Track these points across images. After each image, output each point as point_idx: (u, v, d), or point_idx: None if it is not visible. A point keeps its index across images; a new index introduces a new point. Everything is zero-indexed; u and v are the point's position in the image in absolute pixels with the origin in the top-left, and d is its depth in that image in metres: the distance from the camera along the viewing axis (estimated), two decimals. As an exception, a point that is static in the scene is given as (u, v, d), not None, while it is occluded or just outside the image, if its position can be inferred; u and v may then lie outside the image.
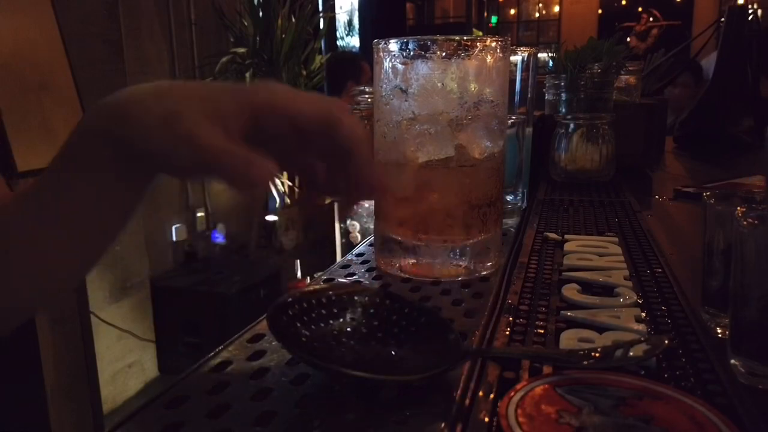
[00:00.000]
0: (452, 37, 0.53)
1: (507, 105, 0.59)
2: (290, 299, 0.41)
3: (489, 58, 0.55)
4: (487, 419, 0.35)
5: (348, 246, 2.37)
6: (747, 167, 1.26)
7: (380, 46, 0.56)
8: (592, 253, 0.66)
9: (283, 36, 3.05)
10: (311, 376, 0.39)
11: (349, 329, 0.42)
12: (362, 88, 0.91)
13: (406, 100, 0.55)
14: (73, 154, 0.39)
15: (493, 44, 0.55)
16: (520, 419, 0.33)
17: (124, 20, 2.52)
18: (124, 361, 2.63)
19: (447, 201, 0.57)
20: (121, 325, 2.58)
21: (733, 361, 0.42)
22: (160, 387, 0.38)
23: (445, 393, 0.37)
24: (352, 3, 5.00)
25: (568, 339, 0.45)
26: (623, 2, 8.66)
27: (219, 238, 3.16)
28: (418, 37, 0.53)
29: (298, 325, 0.40)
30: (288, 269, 3.26)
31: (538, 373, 0.40)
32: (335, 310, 0.43)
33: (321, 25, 3.58)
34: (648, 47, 7.14)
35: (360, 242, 0.74)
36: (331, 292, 0.44)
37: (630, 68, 1.41)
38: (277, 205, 3.30)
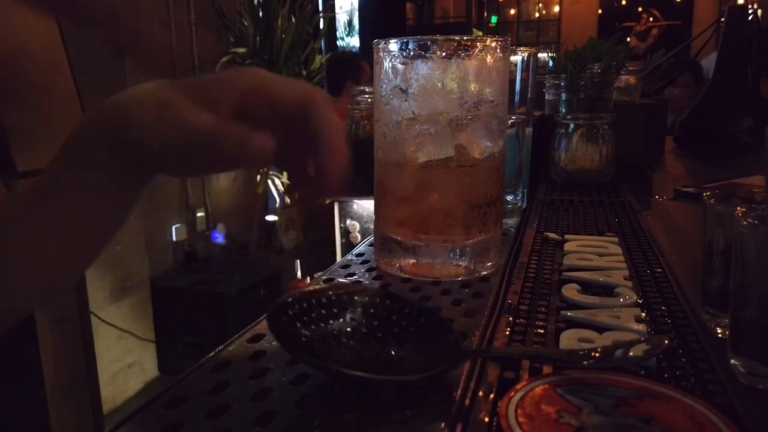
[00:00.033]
0: (452, 37, 0.53)
1: (507, 105, 0.59)
2: (290, 299, 0.41)
3: (489, 58, 0.55)
4: (487, 419, 0.35)
5: (348, 246, 2.37)
6: (747, 167, 1.26)
7: (380, 46, 0.56)
8: (592, 253, 0.66)
9: (283, 36, 3.05)
10: (311, 376, 0.39)
11: (349, 329, 0.42)
12: (362, 88, 0.91)
13: (406, 100, 0.55)
14: (72, 155, 0.39)
15: (493, 44, 0.55)
16: (520, 419, 0.33)
17: (124, 20, 2.51)
18: (124, 361, 2.63)
19: (447, 201, 0.57)
20: (121, 325, 2.58)
21: (733, 361, 0.42)
22: (160, 387, 0.38)
23: (445, 393, 0.37)
24: (352, 3, 4.99)
25: (568, 339, 0.45)
26: (623, 2, 8.65)
27: (219, 238, 3.16)
28: (418, 37, 0.53)
29: (298, 325, 0.40)
30: (288, 269, 3.26)
31: (538, 373, 0.40)
32: (335, 310, 0.43)
33: (321, 25, 3.58)
34: (648, 47, 7.14)
35: (360, 242, 0.74)
36: (331, 292, 0.44)
37: (630, 68, 1.41)
38: (277, 205, 3.30)
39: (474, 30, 6.47)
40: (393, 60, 0.55)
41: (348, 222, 2.42)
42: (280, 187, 3.19)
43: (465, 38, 0.53)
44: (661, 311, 0.51)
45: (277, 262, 3.21)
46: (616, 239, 0.71)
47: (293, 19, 3.10)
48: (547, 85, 1.28)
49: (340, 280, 0.60)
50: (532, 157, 0.90)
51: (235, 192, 3.34)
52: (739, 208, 0.42)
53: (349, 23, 5.01)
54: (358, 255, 0.68)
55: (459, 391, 0.37)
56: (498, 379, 0.39)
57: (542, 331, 0.47)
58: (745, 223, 0.41)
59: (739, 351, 0.42)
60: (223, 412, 0.35)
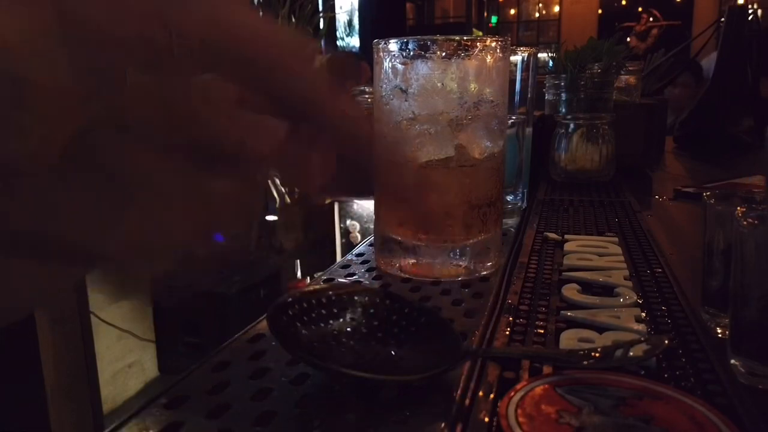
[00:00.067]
0: (452, 37, 0.53)
1: (507, 105, 0.59)
2: (290, 299, 0.41)
3: (489, 58, 0.55)
4: (487, 419, 0.35)
5: (348, 246, 2.37)
6: (747, 167, 1.26)
7: (380, 46, 0.56)
8: (592, 253, 0.66)
9: (283, 36, 3.05)
10: (311, 376, 0.39)
11: (349, 329, 0.42)
12: (362, 88, 0.91)
13: (406, 100, 0.55)
14: None
15: (493, 44, 0.55)
16: (520, 419, 0.33)
17: (124, 20, 2.52)
18: (124, 361, 2.63)
19: (447, 201, 0.57)
20: (121, 325, 2.58)
21: (733, 361, 0.42)
22: (160, 387, 0.38)
23: (445, 393, 0.37)
24: (352, 3, 5.00)
25: (568, 339, 0.45)
26: (623, 2, 8.66)
27: (219, 238, 3.16)
28: (418, 37, 0.53)
29: (298, 325, 0.40)
30: (288, 269, 3.26)
31: (538, 373, 0.40)
32: (335, 310, 0.43)
33: (321, 25, 3.58)
34: (648, 47, 7.14)
35: (360, 242, 0.74)
36: (331, 292, 0.44)
37: (630, 68, 1.41)
38: (277, 205, 3.31)
39: (474, 30, 6.48)
40: (393, 60, 0.55)
41: (348, 222, 2.42)
42: (281, 187, 3.19)
43: (465, 38, 0.53)
44: (661, 311, 0.51)
45: (277, 262, 3.21)
46: (616, 239, 0.71)
47: (293, 19, 3.10)
48: (547, 85, 1.28)
49: (340, 280, 0.60)
50: (532, 157, 0.90)
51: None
52: (739, 208, 0.42)
53: (349, 23, 5.01)
54: (358, 255, 0.68)
55: (459, 391, 0.37)
56: (498, 379, 0.39)
57: (542, 331, 0.47)
58: (745, 223, 0.41)
59: (739, 351, 0.42)
60: (223, 412, 0.35)
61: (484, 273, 0.59)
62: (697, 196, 1.02)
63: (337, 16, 4.52)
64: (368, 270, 0.62)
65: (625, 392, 0.36)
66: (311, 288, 0.44)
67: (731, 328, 0.43)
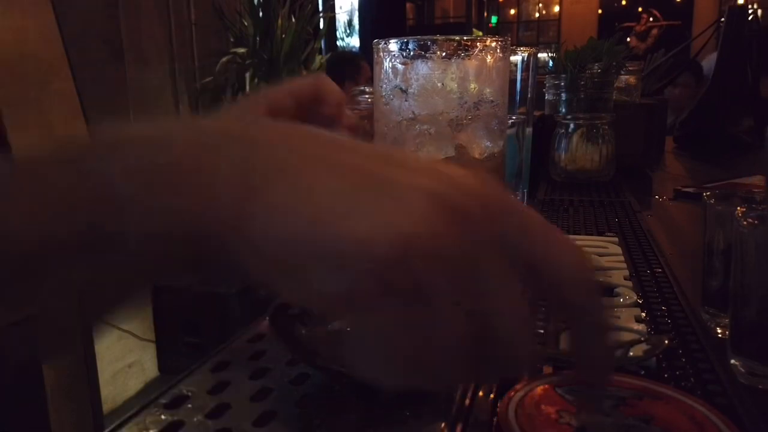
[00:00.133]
0: (452, 37, 0.53)
1: (507, 105, 0.59)
2: (290, 299, 0.41)
3: (489, 58, 0.55)
4: (487, 419, 0.35)
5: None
6: (747, 167, 1.26)
7: (380, 46, 0.56)
8: (592, 253, 0.66)
9: (283, 36, 3.05)
10: (311, 376, 0.39)
11: (348, 329, 0.42)
12: (362, 88, 0.91)
13: (406, 100, 0.55)
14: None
15: (493, 44, 0.55)
16: (520, 419, 0.33)
17: (124, 20, 2.52)
18: (124, 361, 2.63)
19: (447, 201, 0.57)
20: (121, 325, 2.58)
21: (733, 361, 0.42)
22: (160, 387, 0.38)
23: (445, 393, 0.37)
24: (352, 3, 5.00)
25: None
26: (623, 2, 8.66)
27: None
28: (418, 37, 0.53)
29: (298, 325, 0.40)
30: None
31: (538, 373, 0.40)
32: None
33: (321, 25, 3.58)
34: (648, 47, 7.14)
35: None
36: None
37: (630, 68, 1.41)
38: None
39: (474, 30, 6.48)
40: (393, 60, 0.55)
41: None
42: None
43: (465, 38, 0.53)
44: (661, 311, 0.51)
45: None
46: (616, 239, 0.71)
47: (293, 19, 3.10)
48: (547, 85, 1.28)
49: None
50: (532, 157, 0.90)
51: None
52: (739, 208, 0.42)
53: (349, 23, 5.01)
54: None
55: (459, 391, 0.37)
56: (498, 379, 0.39)
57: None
58: (745, 223, 0.41)
59: (739, 351, 0.42)
60: (223, 412, 0.35)
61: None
62: (697, 196, 1.02)
63: (337, 16, 4.52)
64: (368, 270, 0.62)
65: (625, 392, 0.36)
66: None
67: (731, 328, 0.43)
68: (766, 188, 1.04)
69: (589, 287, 0.24)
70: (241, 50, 3.04)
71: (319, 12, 3.65)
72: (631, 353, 0.39)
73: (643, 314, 0.49)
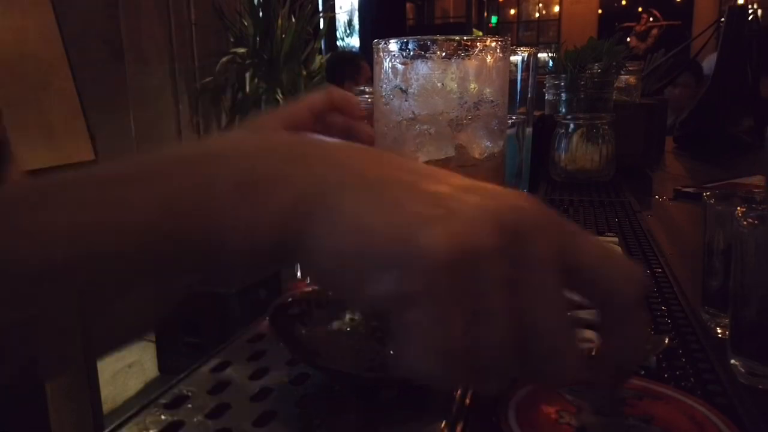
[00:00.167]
0: (452, 37, 0.53)
1: (507, 105, 0.59)
2: (290, 299, 0.41)
3: (489, 58, 0.55)
4: (487, 419, 0.35)
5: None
6: (747, 167, 1.26)
7: (380, 46, 0.56)
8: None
9: (283, 36, 3.05)
10: (311, 376, 0.39)
11: (348, 329, 0.42)
12: (362, 88, 0.91)
13: (406, 100, 0.55)
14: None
15: (493, 44, 0.55)
16: (520, 419, 0.33)
17: (124, 20, 2.52)
18: (124, 361, 2.63)
19: (447, 201, 0.57)
20: (121, 325, 2.57)
21: (733, 361, 0.42)
22: (160, 387, 0.38)
23: (445, 393, 0.37)
24: (352, 3, 5.00)
25: (568, 339, 0.45)
26: (623, 2, 8.66)
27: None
28: (418, 37, 0.53)
29: (298, 325, 0.40)
30: (288, 269, 3.26)
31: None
32: (335, 310, 0.43)
33: (321, 25, 3.58)
34: (648, 47, 7.14)
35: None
36: (331, 293, 0.44)
37: (630, 68, 1.41)
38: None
39: (474, 30, 6.48)
40: (393, 60, 0.55)
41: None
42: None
43: (465, 38, 0.53)
44: (661, 311, 0.51)
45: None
46: (616, 239, 0.71)
47: (293, 19, 3.10)
48: (547, 85, 1.28)
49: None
50: (532, 157, 0.90)
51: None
52: (739, 208, 0.42)
53: (349, 23, 5.01)
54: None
55: (459, 391, 0.37)
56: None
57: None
58: (745, 223, 0.41)
59: (739, 351, 0.42)
60: (223, 412, 0.35)
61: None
62: (697, 196, 1.02)
63: (337, 16, 4.52)
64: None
65: (625, 392, 0.36)
66: (311, 288, 0.44)
67: (731, 328, 0.43)
68: (766, 188, 1.04)
69: (637, 297, 0.26)
70: (241, 50, 3.04)
71: (319, 12, 3.65)
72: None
73: (643, 314, 0.49)
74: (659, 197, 1.10)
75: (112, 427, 0.34)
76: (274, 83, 3.02)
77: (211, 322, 2.65)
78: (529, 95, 0.83)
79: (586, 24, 8.02)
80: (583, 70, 1.18)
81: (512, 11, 9.49)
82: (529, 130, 0.85)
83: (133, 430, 0.34)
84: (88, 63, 2.27)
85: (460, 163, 0.56)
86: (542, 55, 1.44)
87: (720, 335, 0.48)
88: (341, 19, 4.84)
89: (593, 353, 0.28)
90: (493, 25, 9.12)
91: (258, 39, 3.04)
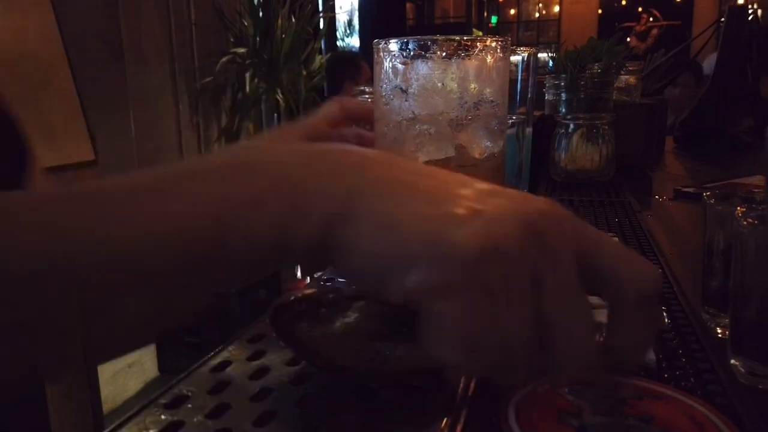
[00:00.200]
0: (452, 37, 0.53)
1: (507, 105, 0.59)
2: (291, 299, 0.41)
3: (489, 58, 0.55)
4: (487, 419, 0.35)
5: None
6: (747, 167, 1.26)
7: (380, 46, 0.56)
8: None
9: (283, 36, 3.05)
10: (311, 376, 0.39)
11: (349, 329, 0.42)
12: (362, 88, 0.91)
13: (406, 100, 0.55)
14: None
15: (493, 44, 0.55)
16: (520, 419, 0.33)
17: (124, 20, 2.52)
18: (124, 361, 2.63)
19: (447, 201, 0.57)
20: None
21: (733, 361, 0.42)
22: (160, 387, 0.38)
23: (445, 393, 0.37)
24: (352, 3, 5.00)
25: (568, 339, 0.45)
26: (623, 2, 8.66)
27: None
28: (418, 37, 0.53)
29: (299, 324, 0.40)
30: (288, 269, 3.26)
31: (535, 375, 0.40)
32: (335, 310, 0.43)
33: (321, 25, 3.58)
34: (648, 47, 7.14)
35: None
36: (331, 292, 0.44)
37: (630, 68, 1.41)
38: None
39: (474, 30, 6.48)
40: (393, 60, 0.55)
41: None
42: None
43: (465, 38, 0.53)
44: (661, 311, 0.51)
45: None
46: (616, 239, 0.71)
47: (293, 19, 3.10)
48: (547, 85, 1.28)
49: (340, 279, 0.60)
50: (532, 157, 0.90)
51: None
52: (739, 208, 0.42)
53: (349, 23, 5.01)
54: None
55: (459, 391, 0.37)
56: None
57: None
58: (745, 223, 0.41)
59: (739, 351, 0.42)
60: (223, 412, 0.35)
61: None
62: (697, 196, 1.02)
63: (337, 16, 4.52)
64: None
65: (625, 392, 0.36)
66: (312, 288, 0.44)
67: (731, 328, 0.43)
68: (766, 188, 1.04)
69: (649, 297, 0.28)
70: (241, 50, 3.04)
71: (319, 12, 3.65)
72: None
73: (643, 314, 0.49)
74: (659, 197, 1.10)
75: (112, 427, 0.34)
76: (274, 83, 3.02)
77: (211, 322, 2.65)
78: (529, 95, 0.83)
79: (586, 24, 8.02)
80: (583, 70, 1.18)
81: (512, 11, 9.49)
82: (529, 130, 0.85)
83: (133, 430, 0.34)
84: (88, 63, 2.27)
85: (460, 163, 0.56)
86: (542, 55, 1.44)
87: (720, 335, 0.48)
88: (341, 19, 4.84)
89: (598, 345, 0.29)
90: (493, 25, 9.12)
91: (258, 39, 3.04)
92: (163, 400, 0.37)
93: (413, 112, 0.55)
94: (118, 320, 0.28)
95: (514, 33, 9.15)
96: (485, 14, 8.88)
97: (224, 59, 2.98)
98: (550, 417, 0.34)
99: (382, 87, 0.57)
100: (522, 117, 0.81)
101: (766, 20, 2.30)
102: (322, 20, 3.62)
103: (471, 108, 0.55)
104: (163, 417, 0.35)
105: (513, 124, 0.79)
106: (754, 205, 0.44)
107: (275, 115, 3.12)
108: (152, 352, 2.80)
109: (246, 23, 3.09)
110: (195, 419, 0.35)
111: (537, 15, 9.34)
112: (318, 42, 3.49)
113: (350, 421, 0.34)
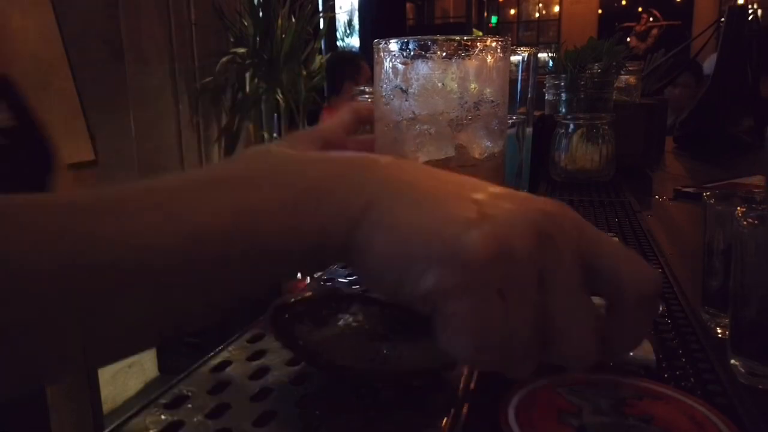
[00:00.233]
0: (452, 37, 0.53)
1: (507, 105, 0.59)
2: (291, 299, 0.41)
3: (489, 58, 0.55)
4: (487, 419, 0.35)
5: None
6: (747, 167, 1.26)
7: (380, 46, 0.56)
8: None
9: (283, 36, 3.05)
10: (311, 376, 0.39)
11: (349, 329, 0.42)
12: (362, 88, 0.91)
13: (406, 100, 0.55)
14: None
15: (493, 44, 0.55)
16: (520, 419, 0.33)
17: (124, 20, 2.52)
18: (124, 361, 2.63)
19: (447, 201, 0.57)
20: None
21: (733, 361, 0.42)
22: (160, 387, 0.38)
23: (445, 393, 0.37)
24: (352, 3, 5.00)
25: (568, 339, 0.45)
26: (623, 2, 8.66)
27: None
28: (418, 37, 0.53)
29: (299, 325, 0.40)
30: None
31: (538, 373, 0.40)
32: (335, 310, 0.43)
33: (321, 25, 3.58)
34: (648, 47, 7.14)
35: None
36: (331, 292, 0.44)
37: (630, 68, 1.41)
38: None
39: (474, 30, 6.48)
40: (393, 60, 0.55)
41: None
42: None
43: (465, 38, 0.53)
44: (661, 311, 0.51)
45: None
46: (616, 239, 0.71)
47: (293, 19, 3.10)
48: (547, 85, 1.28)
49: (340, 280, 0.60)
50: (532, 157, 0.90)
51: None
52: (739, 208, 0.42)
53: (349, 23, 5.01)
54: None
55: (459, 391, 0.37)
56: (498, 379, 0.39)
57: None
58: (745, 223, 0.41)
59: (739, 351, 0.42)
60: (223, 412, 0.35)
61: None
62: (697, 196, 1.02)
63: (337, 16, 4.52)
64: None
65: (625, 392, 0.36)
66: (311, 288, 0.44)
67: (731, 328, 0.43)
68: (766, 188, 1.04)
69: (648, 298, 0.29)
70: (241, 50, 3.04)
71: (319, 12, 3.65)
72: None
73: (643, 314, 0.49)
74: (659, 197, 1.10)
75: (112, 427, 0.34)
76: (274, 83, 3.02)
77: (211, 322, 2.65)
78: (529, 95, 0.83)
79: (586, 24, 8.02)
80: (583, 70, 1.18)
81: (512, 11, 9.49)
82: (529, 130, 0.85)
83: (133, 430, 0.34)
84: (88, 63, 2.27)
85: (460, 163, 0.56)
86: (542, 55, 1.44)
87: (720, 335, 0.48)
88: (341, 19, 4.84)
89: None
90: (493, 25, 9.13)
91: (258, 39, 3.04)
92: (163, 400, 0.37)
93: (413, 112, 0.55)
94: (118, 321, 0.28)
95: (514, 33, 9.16)
96: (485, 14, 8.89)
97: (224, 59, 2.98)
98: (550, 417, 0.34)
99: (382, 87, 0.57)
100: (522, 117, 0.81)
101: (766, 20, 2.30)
102: (322, 20, 3.62)
103: (471, 108, 0.55)
104: (163, 417, 0.35)
105: (513, 124, 0.79)
106: (754, 205, 0.44)
107: (275, 115, 3.13)
108: (152, 352, 2.80)
109: (246, 23, 3.09)
110: (195, 419, 0.35)
111: (537, 15, 9.35)
112: (318, 42, 3.49)
113: (350, 421, 0.34)
